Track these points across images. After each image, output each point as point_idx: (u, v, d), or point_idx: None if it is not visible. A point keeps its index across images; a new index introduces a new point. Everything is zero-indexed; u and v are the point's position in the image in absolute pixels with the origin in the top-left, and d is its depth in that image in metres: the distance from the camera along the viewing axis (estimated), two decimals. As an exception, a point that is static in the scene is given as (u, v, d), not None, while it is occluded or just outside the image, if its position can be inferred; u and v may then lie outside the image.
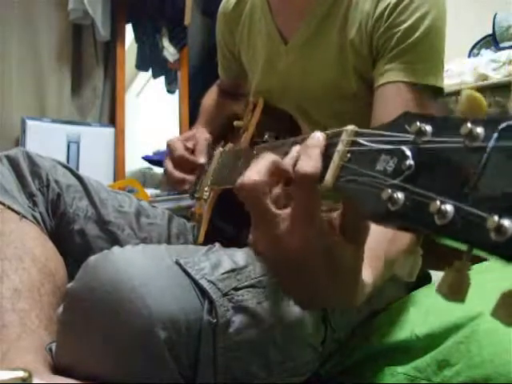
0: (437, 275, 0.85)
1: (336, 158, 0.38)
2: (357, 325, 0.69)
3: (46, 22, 2.36)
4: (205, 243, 0.83)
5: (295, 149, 0.40)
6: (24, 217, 0.73)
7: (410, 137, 0.32)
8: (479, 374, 0.50)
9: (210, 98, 1.15)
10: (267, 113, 0.85)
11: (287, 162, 0.40)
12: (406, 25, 0.73)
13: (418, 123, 0.31)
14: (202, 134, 0.96)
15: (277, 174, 0.39)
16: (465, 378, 0.51)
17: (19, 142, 2.23)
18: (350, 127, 0.38)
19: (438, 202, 0.28)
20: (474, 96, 0.29)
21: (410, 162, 0.31)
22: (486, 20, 1.68)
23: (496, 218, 0.24)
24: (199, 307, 0.49)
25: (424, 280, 0.84)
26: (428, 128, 0.31)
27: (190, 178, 0.90)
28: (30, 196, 0.77)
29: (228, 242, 0.63)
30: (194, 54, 2.67)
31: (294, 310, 0.57)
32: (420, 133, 0.31)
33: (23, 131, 2.22)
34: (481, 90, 1.29)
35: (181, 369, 0.47)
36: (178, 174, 0.90)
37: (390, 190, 0.31)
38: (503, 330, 0.51)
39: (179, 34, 2.59)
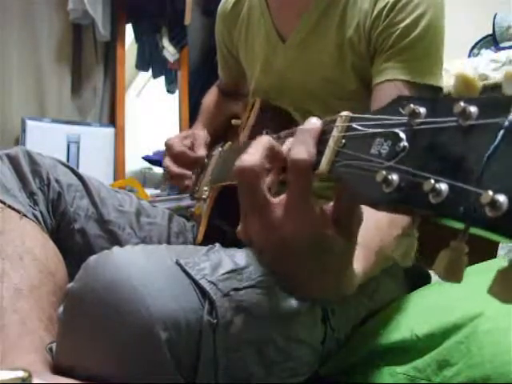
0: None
1: (331, 143, 0.38)
2: (357, 325, 0.69)
3: (46, 22, 2.37)
4: (204, 242, 0.83)
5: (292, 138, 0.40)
6: (24, 216, 0.73)
7: (404, 119, 0.32)
8: (479, 373, 0.50)
9: (210, 98, 1.15)
10: (265, 111, 0.85)
11: (283, 148, 0.40)
12: (404, 23, 0.74)
13: (412, 105, 0.31)
14: (200, 132, 0.98)
15: (272, 158, 0.39)
16: (465, 378, 0.51)
17: (19, 141, 2.23)
18: (345, 113, 0.38)
19: (433, 181, 0.27)
20: (466, 76, 0.29)
21: (404, 143, 0.31)
22: (486, 20, 1.69)
23: (490, 192, 0.24)
24: (199, 307, 0.49)
25: (424, 280, 0.84)
26: (422, 110, 0.31)
27: (190, 173, 0.92)
28: (31, 195, 0.77)
29: (227, 242, 0.63)
30: (194, 54, 2.67)
31: (294, 310, 0.57)
32: (414, 114, 0.31)
33: (23, 131, 2.22)
34: (481, 90, 1.29)
35: (181, 369, 0.47)
36: (177, 169, 0.92)
37: (384, 172, 0.31)
38: (503, 330, 0.51)
39: (179, 33, 2.59)
